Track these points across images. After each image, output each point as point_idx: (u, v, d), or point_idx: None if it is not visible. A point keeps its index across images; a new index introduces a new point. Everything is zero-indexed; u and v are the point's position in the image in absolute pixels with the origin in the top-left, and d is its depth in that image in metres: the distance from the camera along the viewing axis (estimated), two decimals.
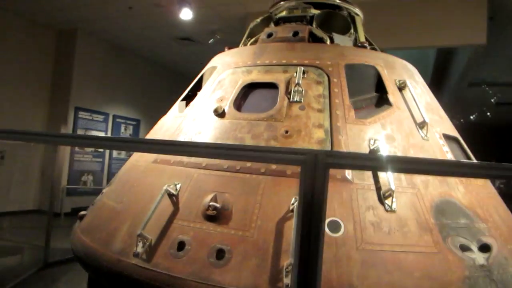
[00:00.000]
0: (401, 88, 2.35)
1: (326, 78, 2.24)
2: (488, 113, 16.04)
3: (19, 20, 7.93)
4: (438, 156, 2.10)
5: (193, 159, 2.07)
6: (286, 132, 2.01)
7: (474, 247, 1.78)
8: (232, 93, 2.33)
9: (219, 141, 2.09)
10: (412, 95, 2.28)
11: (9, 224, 6.82)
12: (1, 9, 7.46)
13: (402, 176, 1.90)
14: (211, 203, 1.81)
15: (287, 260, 1.55)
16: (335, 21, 2.82)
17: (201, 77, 2.85)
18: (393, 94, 2.28)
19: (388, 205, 1.76)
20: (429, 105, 2.45)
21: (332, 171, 1.79)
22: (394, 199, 1.78)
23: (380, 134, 2.05)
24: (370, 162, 1.00)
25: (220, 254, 1.67)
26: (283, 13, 2.90)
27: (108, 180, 8.78)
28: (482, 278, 1.68)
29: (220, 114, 2.23)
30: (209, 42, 6.92)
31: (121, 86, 9.79)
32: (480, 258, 1.74)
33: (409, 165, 1.00)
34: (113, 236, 2.02)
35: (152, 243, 1.82)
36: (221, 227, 1.76)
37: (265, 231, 1.68)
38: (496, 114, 15.37)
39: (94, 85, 9.14)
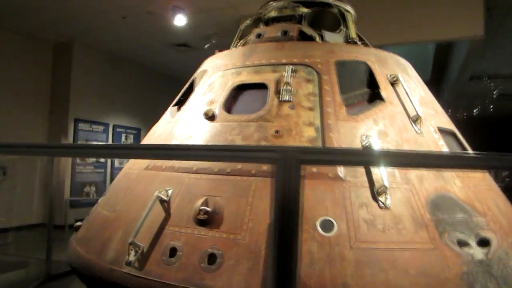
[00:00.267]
0: (394, 83, 2.31)
1: (316, 76, 2.21)
2: (491, 107, 15.92)
3: (15, 36, 7.99)
4: (433, 149, 2.06)
5: (183, 164, 2.05)
6: (277, 132, 1.98)
7: (472, 242, 1.73)
8: (222, 95, 2.30)
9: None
10: (404, 90, 2.24)
11: (14, 238, 6.83)
12: None
13: (396, 172, 1.86)
14: (202, 207, 1.78)
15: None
16: (326, 19, 2.80)
17: (193, 81, 2.83)
18: (385, 89, 2.25)
19: (381, 202, 1.72)
20: (423, 99, 2.41)
21: (323, 170, 1.76)
22: (388, 196, 1.74)
23: (372, 130, 2.01)
24: (343, 157, 0.97)
25: (211, 258, 1.64)
26: (273, 13, 2.88)
27: None
28: (482, 274, 1.63)
29: (210, 117, 2.21)
30: (205, 47, 6.92)
31: (120, 95, 9.81)
32: (478, 253, 1.70)
33: (388, 158, 0.96)
34: (106, 246, 1.99)
35: (144, 250, 1.79)
36: (212, 231, 1.73)
37: (257, 233, 1.65)
38: (499, 107, 15.25)
39: (93, 96, 9.17)
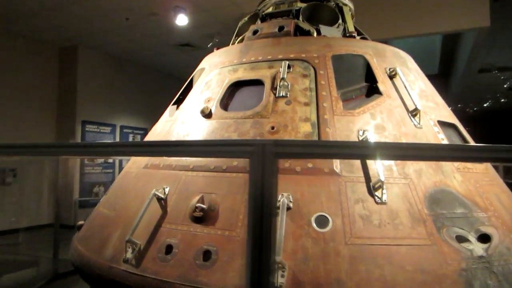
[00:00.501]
0: (392, 76, 2.28)
1: (312, 70, 2.19)
2: (502, 100, 15.64)
3: (23, 40, 8.10)
4: (432, 143, 2.02)
5: (180, 162, 2.05)
6: (272, 128, 1.97)
7: (472, 238, 1.70)
8: (219, 93, 2.30)
9: None
10: (403, 83, 2.21)
11: (25, 238, 6.94)
12: (5, 31, 7.63)
13: (394, 166, 1.84)
14: (197, 205, 1.78)
15: (275, 258, 1.51)
16: (323, 13, 2.77)
17: (192, 80, 2.83)
18: (383, 83, 2.22)
19: (378, 197, 1.70)
20: (423, 92, 2.37)
21: (319, 165, 1.75)
22: (384, 191, 1.71)
23: (369, 125, 1.98)
24: (320, 149, 0.95)
25: (206, 255, 1.64)
26: (270, 9, 2.86)
27: None
28: (481, 270, 1.60)
29: (207, 115, 2.21)
30: (209, 46, 6.92)
31: (126, 96, 9.88)
32: (478, 249, 1.66)
33: (364, 151, 0.94)
34: (105, 244, 2.01)
35: (141, 248, 1.80)
36: (208, 228, 1.73)
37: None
38: (510, 100, 14.98)
39: (99, 98, 9.25)
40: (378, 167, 1.75)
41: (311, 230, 1.60)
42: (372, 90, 2.25)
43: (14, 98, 7.95)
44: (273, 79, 2.18)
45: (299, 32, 2.64)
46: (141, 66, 10.14)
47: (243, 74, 2.33)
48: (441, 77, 13.30)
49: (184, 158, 2.04)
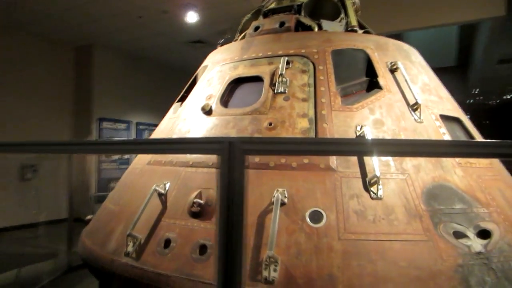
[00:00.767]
0: (393, 70, 2.25)
1: (311, 66, 2.18)
2: None
3: (40, 41, 8.31)
4: (433, 138, 2.00)
5: (181, 158, 2.09)
6: (270, 124, 1.98)
7: (471, 234, 1.68)
8: (219, 90, 2.32)
9: None
10: (404, 77, 2.18)
11: (44, 232, 7.16)
12: (23, 32, 7.85)
13: (391, 162, 1.82)
14: (195, 200, 1.81)
15: (268, 253, 1.53)
16: (325, 8, 2.75)
17: (196, 77, 2.86)
18: (383, 77, 2.20)
19: (373, 193, 1.69)
20: (426, 85, 2.34)
21: (315, 161, 1.75)
22: (380, 186, 1.71)
23: (368, 120, 1.97)
24: (288, 146, 0.96)
25: (202, 249, 1.67)
26: (273, 5, 2.86)
27: None
28: (479, 267, 1.57)
29: (207, 111, 2.23)
30: (220, 42, 6.94)
31: (140, 93, 10.03)
32: (477, 245, 1.64)
33: (340, 147, 0.94)
34: (109, 237, 2.07)
35: (141, 242, 1.85)
36: (204, 223, 1.76)
37: (247, 224, 1.66)
38: None
39: (115, 95, 9.42)
40: (374, 162, 1.74)
41: (305, 225, 1.61)
42: (373, 84, 2.23)
43: (32, 97, 8.18)
44: (272, 75, 2.18)
45: (301, 27, 2.63)
46: (155, 63, 10.26)
47: (243, 70, 2.35)
48: (459, 68, 12.97)
49: (184, 155, 2.08)
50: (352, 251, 1.53)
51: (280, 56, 2.26)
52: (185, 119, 2.38)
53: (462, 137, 2.26)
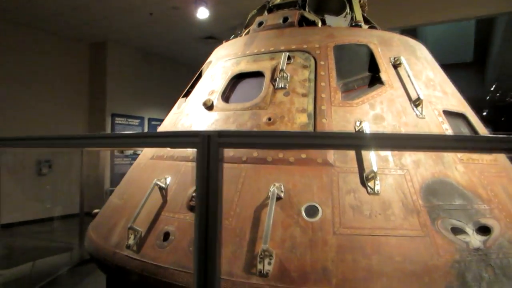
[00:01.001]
0: (396, 65, 2.23)
1: (313, 61, 2.18)
2: None
3: (55, 38, 8.48)
4: (434, 133, 1.97)
5: (182, 153, 2.12)
6: (269, 119, 1.99)
7: (470, 230, 1.66)
8: (221, 85, 2.34)
9: None
10: (407, 72, 2.16)
11: (59, 226, 7.34)
12: (38, 29, 8.02)
13: (390, 157, 1.81)
14: (194, 194, 1.84)
15: (263, 246, 1.54)
16: (330, 3, 2.73)
17: (201, 73, 2.89)
18: (386, 72, 2.18)
19: (370, 188, 1.69)
20: (431, 81, 2.30)
21: (313, 155, 1.76)
22: (377, 181, 1.70)
23: (368, 115, 1.96)
24: (264, 139, 0.96)
25: None
26: (278, 0, 2.86)
27: None
28: (476, 263, 1.56)
29: (209, 107, 2.26)
30: (231, 38, 6.96)
31: (153, 89, 10.14)
32: (475, 241, 1.62)
33: (307, 141, 0.94)
34: (112, 231, 2.12)
35: (142, 235, 1.89)
36: None
37: (243, 218, 1.68)
38: None
39: (128, 91, 9.55)
40: (372, 157, 1.74)
41: (300, 219, 1.61)
42: (375, 80, 2.22)
43: (48, 93, 8.37)
44: (273, 70, 2.19)
45: (305, 22, 2.62)
46: (167, 59, 10.35)
47: (245, 66, 2.36)
48: (476, 64, 12.67)
49: (184, 150, 2.11)
50: (347, 245, 1.54)
51: (282, 51, 2.27)
52: (188, 114, 2.41)
53: (467, 133, 2.22)
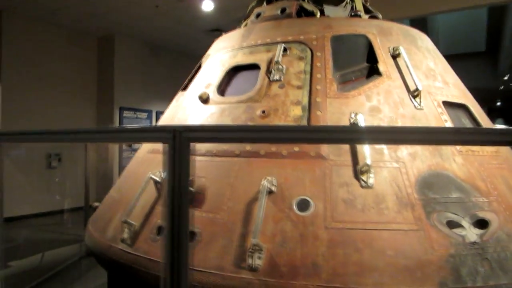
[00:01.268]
0: (395, 55, 2.18)
1: (309, 53, 2.14)
2: None
3: (63, 32, 8.55)
4: (433, 125, 1.93)
5: None
6: (263, 112, 1.97)
7: (466, 223, 1.62)
8: (218, 78, 2.32)
9: None
10: (405, 62, 2.10)
11: (68, 219, 7.47)
12: (46, 23, 8.09)
13: (385, 150, 1.78)
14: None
15: (253, 240, 1.53)
16: None
17: (200, 66, 2.87)
18: (384, 63, 2.13)
19: (364, 181, 1.66)
20: (431, 71, 2.24)
21: (306, 149, 1.73)
22: (371, 175, 1.67)
23: (364, 107, 1.92)
24: (233, 134, 0.94)
25: (192, 236, 1.69)
26: None
27: None
28: (472, 257, 1.52)
29: (204, 100, 2.24)
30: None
31: (160, 82, 10.16)
32: (471, 235, 1.58)
33: (287, 134, 0.92)
34: (109, 224, 2.13)
35: (136, 228, 1.90)
36: (195, 211, 1.78)
37: (235, 212, 1.67)
38: None
39: (136, 84, 9.60)
40: (366, 150, 1.70)
41: (292, 213, 1.60)
42: (374, 71, 2.17)
43: (57, 87, 8.45)
44: (269, 63, 2.16)
45: (304, 13, 2.57)
46: (175, 52, 10.35)
47: (242, 58, 2.33)
48: (489, 54, 12.39)
49: None
50: (338, 239, 1.51)
51: (278, 43, 2.23)
52: (185, 108, 2.40)
53: (468, 124, 2.17)
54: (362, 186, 1.65)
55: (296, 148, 1.77)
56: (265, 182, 1.65)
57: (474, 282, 1.47)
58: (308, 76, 2.04)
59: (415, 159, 1.77)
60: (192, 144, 2.06)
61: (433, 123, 1.94)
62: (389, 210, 1.59)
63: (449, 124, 1.98)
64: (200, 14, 7.41)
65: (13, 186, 6.81)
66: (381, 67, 2.10)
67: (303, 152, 1.76)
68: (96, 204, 2.73)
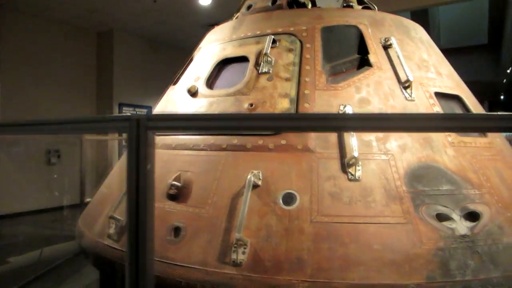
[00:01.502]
0: (387, 46, 2.13)
1: (298, 44, 2.10)
2: None
3: (62, 28, 8.51)
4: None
5: (165, 141, 2.08)
6: (251, 105, 1.93)
7: (456, 216, 1.58)
8: (207, 71, 2.28)
9: None
10: (396, 53, 2.06)
11: (67, 215, 7.47)
12: (45, 18, 8.06)
13: (374, 142, 1.74)
14: (172, 182, 1.81)
15: (236, 235, 1.50)
16: None
17: (192, 59, 2.83)
18: (375, 54, 2.08)
19: (351, 174, 1.62)
20: (424, 62, 2.20)
21: (293, 141, 1.70)
22: (358, 167, 1.63)
23: (353, 99, 1.88)
24: (195, 123, 0.91)
25: (176, 231, 1.67)
26: None
27: None
28: (462, 250, 1.49)
29: (193, 93, 2.21)
30: None
31: (160, 78, 10.06)
32: (462, 227, 1.55)
33: (245, 123, 0.88)
34: (96, 220, 2.11)
35: (122, 224, 1.87)
36: (180, 205, 1.75)
37: (220, 207, 1.64)
38: None
39: (135, 81, 9.56)
40: (353, 143, 1.67)
41: (277, 207, 1.57)
42: (365, 62, 2.12)
43: (56, 83, 8.43)
44: (258, 55, 2.12)
45: (296, 4, 2.53)
46: (173, 47, 10.29)
47: (231, 51, 2.29)
48: (491, 46, 12.26)
49: (167, 137, 2.07)
50: (324, 234, 1.48)
51: (268, 35, 2.19)
52: (175, 102, 2.37)
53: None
54: (349, 179, 1.61)
55: (283, 141, 1.73)
56: (250, 176, 1.62)
57: (463, 275, 1.43)
58: (297, 68, 2.00)
59: (404, 151, 1.73)
60: (176, 138, 2.03)
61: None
62: (376, 203, 1.56)
63: None
64: (197, 8, 7.36)
65: (12, 182, 6.83)
66: (372, 58, 2.06)
67: (290, 145, 1.72)
68: (88, 199, 2.71)
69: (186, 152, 1.94)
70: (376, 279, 1.39)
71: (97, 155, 9.20)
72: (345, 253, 1.44)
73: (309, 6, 2.46)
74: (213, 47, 2.47)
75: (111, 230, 1.87)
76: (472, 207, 1.63)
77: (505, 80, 13.35)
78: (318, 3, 2.50)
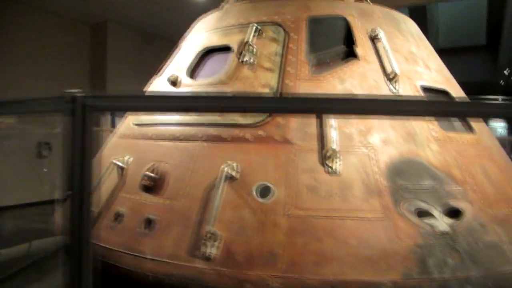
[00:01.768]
0: (374, 38, 2.07)
1: (283, 34, 2.04)
2: None
3: (57, 19, 8.41)
4: None
5: (142, 131, 2.02)
6: None
7: (437, 212, 1.53)
8: (189, 60, 2.22)
9: None
10: (383, 45, 2.00)
11: (58, 209, 7.40)
12: (41, 10, 7.95)
13: (355, 135, 1.68)
14: (145, 173, 1.75)
15: (208, 228, 1.45)
16: None
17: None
18: (361, 46, 2.02)
19: (329, 167, 1.56)
20: (412, 55, 2.14)
21: (271, 133, 1.64)
22: (338, 160, 1.58)
23: (336, 90, 1.83)
24: (136, 101, 0.85)
25: (149, 224, 1.61)
26: None
27: None
28: (441, 247, 1.44)
29: (175, 83, 2.15)
30: None
31: (153, 71, 10.00)
32: (442, 224, 1.50)
33: (183, 102, 0.83)
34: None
35: (96, 216, 1.81)
36: (154, 197, 1.70)
37: (192, 198, 1.59)
38: None
39: (129, 72, 9.45)
40: (333, 135, 1.61)
41: (251, 200, 1.51)
42: (352, 54, 2.07)
43: (50, 74, 8.33)
44: (241, 44, 2.06)
45: None
46: (167, 40, 10.14)
47: (215, 40, 2.23)
48: (489, 48, 12.20)
49: (145, 128, 2.02)
50: (298, 228, 1.43)
51: (252, 24, 2.12)
52: (158, 91, 2.30)
53: None
54: (328, 172, 1.56)
55: (261, 132, 1.68)
56: (224, 168, 1.56)
57: (441, 273, 1.38)
58: (280, 59, 1.94)
59: (386, 145, 1.67)
60: (155, 129, 1.97)
61: None
62: (354, 198, 1.50)
63: None
64: (191, 2, 7.27)
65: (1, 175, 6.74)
66: (358, 50, 2.00)
67: (269, 136, 1.67)
68: (69, 192, 2.65)
69: (162, 142, 1.88)
70: (351, 276, 1.34)
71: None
72: (320, 248, 1.38)
73: None
74: (198, 36, 2.41)
75: None
76: (454, 203, 1.58)
77: (502, 82, 13.33)
78: None
